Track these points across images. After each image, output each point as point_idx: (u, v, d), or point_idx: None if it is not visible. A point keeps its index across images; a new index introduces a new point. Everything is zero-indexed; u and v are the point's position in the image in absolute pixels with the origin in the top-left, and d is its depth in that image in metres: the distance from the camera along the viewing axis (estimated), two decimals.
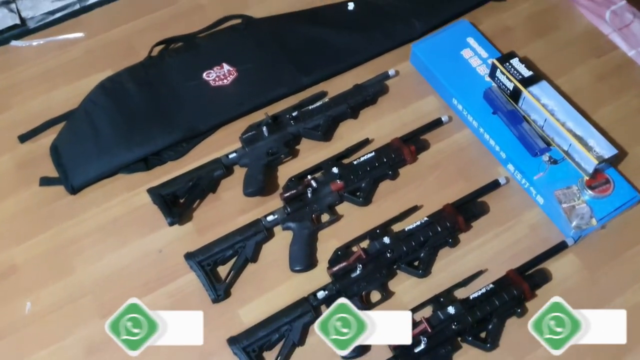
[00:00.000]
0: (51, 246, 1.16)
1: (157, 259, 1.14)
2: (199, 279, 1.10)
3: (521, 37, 1.41)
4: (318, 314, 1.04)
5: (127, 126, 1.26)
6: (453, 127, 1.29)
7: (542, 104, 1.18)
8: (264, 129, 1.23)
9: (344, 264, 1.07)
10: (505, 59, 1.24)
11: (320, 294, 1.06)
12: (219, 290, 1.08)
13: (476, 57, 1.32)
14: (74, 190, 1.21)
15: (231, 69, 1.34)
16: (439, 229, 1.11)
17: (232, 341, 1.02)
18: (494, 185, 1.19)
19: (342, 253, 1.10)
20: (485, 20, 1.43)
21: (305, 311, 1.04)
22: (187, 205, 1.18)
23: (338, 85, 1.34)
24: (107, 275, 1.13)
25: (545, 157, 1.18)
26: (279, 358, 1.02)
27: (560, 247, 1.12)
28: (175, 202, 1.19)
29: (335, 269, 1.07)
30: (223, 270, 1.11)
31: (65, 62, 1.41)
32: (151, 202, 1.18)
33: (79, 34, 1.45)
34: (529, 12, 1.45)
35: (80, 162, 1.22)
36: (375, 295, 1.09)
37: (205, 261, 1.10)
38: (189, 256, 1.11)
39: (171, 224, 1.15)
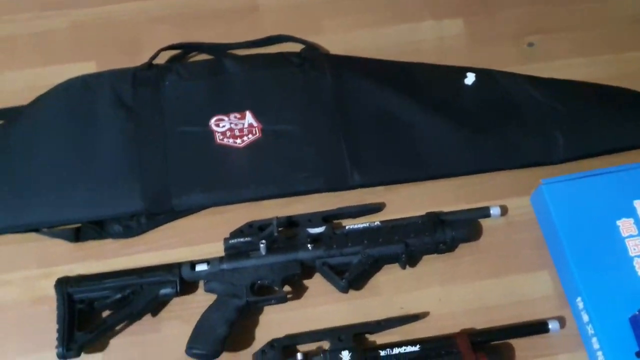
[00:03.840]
0: None
1: None
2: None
3: None
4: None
5: (78, 163, 0.84)
6: (562, 340, 0.77)
7: None
8: (262, 245, 0.77)
9: None
10: None
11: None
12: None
13: None
14: None
15: (256, 124, 0.87)
16: None
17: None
18: None
19: None
20: None
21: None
22: (103, 329, 0.74)
23: (402, 200, 0.85)
24: None
25: None
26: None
27: None
28: (88, 315, 0.76)
29: None
30: None
31: None
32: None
33: None
34: None
35: None
36: None
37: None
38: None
39: (61, 357, 0.72)
